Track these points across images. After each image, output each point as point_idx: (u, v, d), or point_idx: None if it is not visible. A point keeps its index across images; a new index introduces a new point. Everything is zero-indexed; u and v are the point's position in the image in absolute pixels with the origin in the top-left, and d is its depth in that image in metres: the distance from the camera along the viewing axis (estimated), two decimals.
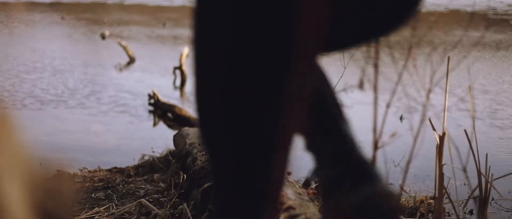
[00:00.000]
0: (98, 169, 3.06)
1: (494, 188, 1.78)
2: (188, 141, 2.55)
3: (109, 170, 3.04)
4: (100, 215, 2.19)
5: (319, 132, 1.10)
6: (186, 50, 5.98)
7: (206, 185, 1.77)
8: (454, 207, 1.79)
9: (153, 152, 3.28)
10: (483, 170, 1.70)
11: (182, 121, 4.19)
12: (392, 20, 1.06)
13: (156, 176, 2.82)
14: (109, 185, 2.72)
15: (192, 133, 2.78)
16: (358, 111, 4.51)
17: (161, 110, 4.51)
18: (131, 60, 6.98)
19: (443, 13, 12.51)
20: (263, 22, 0.85)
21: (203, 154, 2.14)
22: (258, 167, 0.91)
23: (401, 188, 1.28)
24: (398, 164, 3.14)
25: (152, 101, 4.63)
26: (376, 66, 0.99)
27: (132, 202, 2.28)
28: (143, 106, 4.71)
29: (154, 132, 4.11)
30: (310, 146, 1.10)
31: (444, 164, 1.62)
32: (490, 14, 12.05)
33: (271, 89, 0.85)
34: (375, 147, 1.01)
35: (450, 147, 1.69)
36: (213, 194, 1.66)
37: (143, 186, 2.66)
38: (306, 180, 2.96)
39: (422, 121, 1.13)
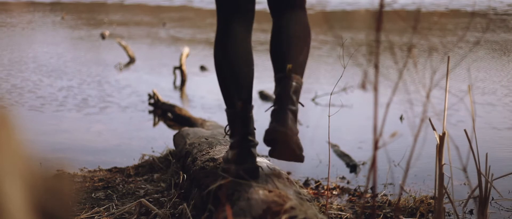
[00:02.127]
0: (98, 169, 3.06)
1: (494, 188, 1.78)
2: (188, 141, 2.55)
3: (109, 170, 3.04)
4: (100, 215, 2.19)
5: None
6: (186, 50, 5.98)
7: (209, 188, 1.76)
8: (454, 207, 1.79)
9: (153, 152, 3.28)
10: (483, 170, 1.70)
11: (182, 121, 4.19)
12: None
13: (156, 176, 2.82)
14: (109, 185, 2.72)
15: (192, 133, 2.78)
16: (358, 111, 4.51)
17: (161, 110, 4.51)
18: (131, 60, 6.98)
19: (443, 13, 12.51)
20: None
21: (203, 154, 2.14)
22: None
23: (401, 188, 1.28)
24: (398, 164, 3.14)
25: (152, 101, 4.63)
26: (376, 66, 0.99)
27: (132, 202, 2.28)
28: (143, 106, 4.71)
29: (154, 132, 4.11)
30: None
31: (444, 164, 1.62)
32: (490, 14, 12.05)
33: None
34: (375, 147, 1.01)
35: (449, 147, 1.69)
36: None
37: (143, 186, 2.66)
38: (306, 180, 2.96)
39: (422, 121, 1.13)
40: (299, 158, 1.66)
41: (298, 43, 1.72)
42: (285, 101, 1.65)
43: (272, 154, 1.66)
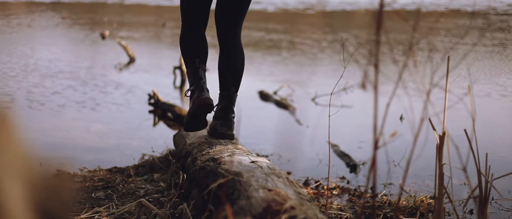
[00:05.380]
0: (98, 169, 3.06)
1: (494, 188, 1.77)
2: (188, 141, 2.55)
3: (109, 170, 3.04)
4: (100, 215, 2.19)
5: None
6: None
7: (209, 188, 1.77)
8: (454, 207, 1.79)
9: (153, 152, 3.28)
10: (483, 170, 1.70)
11: (182, 121, 4.19)
12: None
13: (156, 176, 2.82)
14: (109, 185, 2.72)
15: (192, 133, 2.78)
16: (358, 111, 4.51)
17: (161, 110, 4.51)
18: (131, 60, 6.98)
19: (443, 13, 12.51)
20: None
21: (203, 154, 2.14)
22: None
23: (401, 188, 1.27)
24: (398, 164, 3.14)
25: (152, 100, 4.63)
26: (376, 66, 0.99)
27: (132, 202, 2.28)
28: (143, 106, 4.71)
29: (154, 132, 4.11)
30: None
31: (444, 164, 1.62)
32: (490, 14, 12.05)
33: None
34: (375, 146, 1.01)
35: (449, 147, 1.69)
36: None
37: (143, 186, 2.66)
38: (306, 180, 2.96)
39: (422, 121, 1.13)
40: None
41: (238, 70, 2.51)
42: (229, 111, 2.46)
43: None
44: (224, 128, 2.42)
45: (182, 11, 2.54)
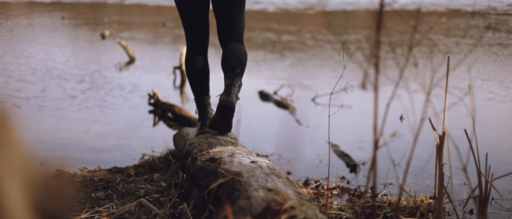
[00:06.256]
0: (98, 169, 3.06)
1: (494, 188, 1.77)
2: (188, 141, 2.55)
3: (109, 170, 3.04)
4: (100, 215, 2.19)
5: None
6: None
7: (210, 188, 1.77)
8: (454, 207, 1.79)
9: (153, 152, 3.28)
10: (483, 170, 1.70)
11: (182, 121, 4.19)
12: None
13: (156, 176, 2.82)
14: (109, 185, 2.72)
15: (192, 133, 2.79)
16: (358, 111, 4.51)
17: (161, 110, 4.51)
18: (131, 60, 6.98)
19: (443, 13, 12.51)
20: None
21: (203, 154, 2.14)
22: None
23: (401, 187, 1.27)
24: (398, 164, 3.14)
25: (152, 101, 4.62)
26: (376, 66, 0.99)
27: (132, 202, 2.28)
28: (143, 106, 4.71)
29: (154, 132, 4.11)
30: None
31: (444, 164, 1.62)
32: (490, 14, 12.05)
33: None
34: (375, 146, 1.01)
35: (449, 147, 1.69)
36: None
37: (143, 186, 2.66)
38: (306, 180, 2.96)
39: (422, 121, 1.13)
40: (229, 129, 2.55)
41: (241, 58, 2.59)
42: (233, 88, 2.47)
43: (216, 122, 2.50)
44: (226, 97, 2.46)
45: (186, 35, 2.74)
